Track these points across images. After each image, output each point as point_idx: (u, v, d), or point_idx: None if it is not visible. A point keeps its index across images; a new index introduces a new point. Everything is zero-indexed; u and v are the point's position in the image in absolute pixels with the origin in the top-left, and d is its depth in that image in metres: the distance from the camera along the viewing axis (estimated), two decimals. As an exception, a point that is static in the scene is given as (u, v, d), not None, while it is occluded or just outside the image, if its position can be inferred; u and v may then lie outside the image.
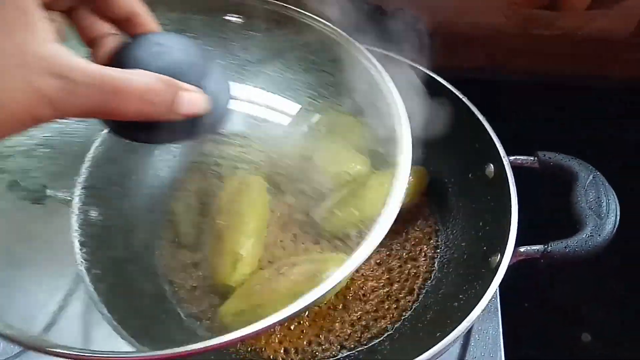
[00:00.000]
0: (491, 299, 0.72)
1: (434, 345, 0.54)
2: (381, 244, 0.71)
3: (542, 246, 0.58)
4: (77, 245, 0.61)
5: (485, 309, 0.73)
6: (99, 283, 0.58)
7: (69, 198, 0.64)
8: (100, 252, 0.64)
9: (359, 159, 0.77)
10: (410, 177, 0.74)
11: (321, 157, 0.75)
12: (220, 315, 0.63)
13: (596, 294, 0.92)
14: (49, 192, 0.64)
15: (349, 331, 0.65)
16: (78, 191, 0.64)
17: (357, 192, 0.72)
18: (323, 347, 0.64)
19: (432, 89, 0.75)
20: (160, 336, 0.62)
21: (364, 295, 0.68)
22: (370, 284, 0.69)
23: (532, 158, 0.66)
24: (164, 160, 0.79)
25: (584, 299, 0.91)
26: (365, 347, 0.64)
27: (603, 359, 0.87)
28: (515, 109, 1.00)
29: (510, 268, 0.73)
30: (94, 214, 0.66)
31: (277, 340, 0.64)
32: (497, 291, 0.76)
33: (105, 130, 0.69)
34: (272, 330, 0.65)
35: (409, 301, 0.68)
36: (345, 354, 0.64)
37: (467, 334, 0.72)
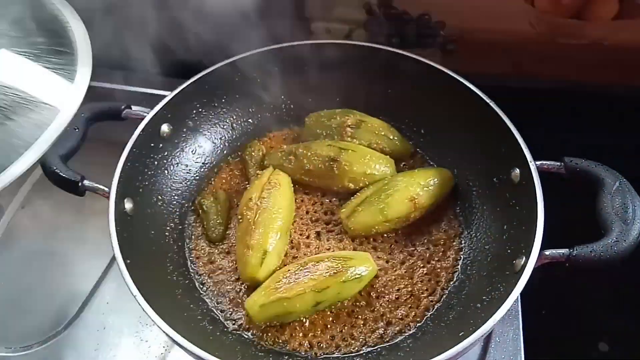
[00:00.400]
0: (514, 302, 0.74)
1: (455, 345, 0.55)
2: (405, 244, 0.74)
3: (567, 250, 0.59)
4: (113, 234, 0.63)
5: (507, 312, 0.74)
6: (133, 271, 0.60)
7: (106, 189, 0.66)
8: (133, 242, 0.66)
9: (384, 160, 0.78)
10: (435, 180, 0.75)
11: (347, 158, 0.76)
12: (247, 306, 0.65)
13: (615, 303, 0.92)
14: (87, 183, 0.66)
15: (372, 328, 0.66)
16: (115, 184, 0.67)
17: (382, 193, 0.74)
18: (346, 342, 0.65)
19: (459, 92, 0.77)
20: (189, 324, 0.64)
21: (387, 293, 0.69)
22: (393, 282, 0.70)
23: (558, 164, 0.66)
24: (195, 156, 0.82)
25: (603, 308, 0.91)
26: (388, 344, 0.65)
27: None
28: (541, 117, 1.00)
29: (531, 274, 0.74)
30: (128, 205, 0.69)
31: (301, 334, 0.66)
32: (519, 297, 0.77)
33: (142, 126, 0.73)
34: (296, 323, 0.66)
35: (431, 301, 0.69)
36: (368, 350, 0.65)
37: (488, 337, 0.72)
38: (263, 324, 0.66)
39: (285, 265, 0.70)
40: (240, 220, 0.71)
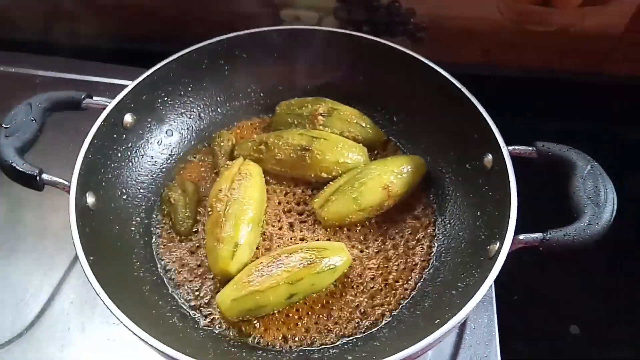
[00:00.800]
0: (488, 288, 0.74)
1: (431, 334, 0.54)
2: (380, 233, 0.73)
3: (541, 234, 0.58)
4: (74, 230, 0.59)
5: (481, 300, 0.74)
6: (97, 268, 0.57)
7: (67, 183, 0.63)
8: (97, 238, 0.63)
9: (357, 148, 0.77)
10: (408, 167, 0.74)
11: (319, 147, 0.75)
12: (219, 301, 0.63)
13: (585, 287, 0.93)
14: (45, 177, 0.63)
15: (347, 319, 0.65)
16: (75, 177, 0.64)
17: (356, 182, 0.72)
18: (321, 334, 0.64)
19: (431, 79, 0.76)
20: (158, 321, 0.61)
21: (362, 283, 0.68)
22: (368, 272, 0.69)
23: (530, 148, 0.66)
24: (160, 147, 0.79)
25: (573, 292, 0.92)
26: (364, 334, 0.64)
27: (591, 350, 0.87)
28: (511, 104, 1.01)
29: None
30: (90, 200, 0.66)
31: (275, 328, 0.64)
32: (493, 284, 0.77)
33: (103, 116, 0.70)
34: (269, 317, 0.65)
35: (406, 289, 0.68)
36: (344, 341, 0.63)
37: (463, 323, 0.72)
38: (235, 319, 0.64)
39: (258, 258, 0.68)
40: (210, 213, 0.69)
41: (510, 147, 0.67)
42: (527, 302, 0.90)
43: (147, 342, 0.53)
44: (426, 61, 0.77)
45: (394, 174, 0.73)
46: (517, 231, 0.60)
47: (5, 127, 0.65)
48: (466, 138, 0.73)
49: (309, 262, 0.64)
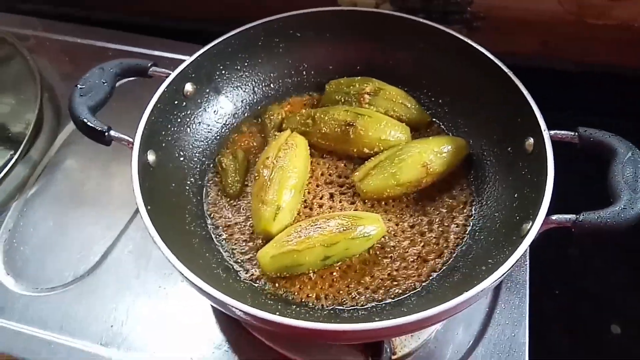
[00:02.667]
0: (517, 271, 0.75)
1: (455, 297, 0.56)
2: (416, 209, 0.75)
3: (574, 215, 0.59)
4: (136, 182, 0.66)
5: (514, 280, 0.75)
6: (153, 217, 0.63)
7: (131, 140, 0.69)
8: (155, 192, 0.69)
9: (399, 127, 0.79)
10: (449, 147, 0.76)
11: (363, 123, 0.78)
12: (259, 257, 0.68)
13: (630, 285, 0.91)
14: (113, 133, 0.70)
15: (378, 285, 0.68)
16: (138, 135, 0.70)
17: (396, 158, 0.75)
18: (352, 296, 0.67)
19: (479, 63, 0.77)
20: (204, 270, 0.67)
21: (395, 254, 0.71)
22: (402, 244, 0.72)
23: (572, 133, 0.67)
24: (216, 117, 0.85)
25: (618, 290, 0.91)
26: (393, 300, 0.67)
27: (631, 352, 0.86)
28: (564, 97, 1.00)
29: (542, 253, 0.74)
30: (151, 157, 0.72)
31: (309, 287, 0.68)
32: (527, 266, 0.78)
33: (166, 83, 0.76)
34: (305, 276, 0.69)
35: (438, 263, 0.70)
36: (373, 304, 0.67)
37: (494, 302, 0.74)
38: (273, 274, 0.68)
39: (298, 222, 0.72)
40: (257, 177, 0.74)
41: (552, 132, 0.67)
42: (570, 297, 0.90)
43: (193, 283, 0.58)
44: (475, 45, 0.78)
45: (433, 153, 0.75)
46: (551, 213, 0.61)
47: (80, 88, 0.72)
48: (509, 122, 0.74)
49: (344, 228, 0.67)
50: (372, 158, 0.78)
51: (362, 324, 0.54)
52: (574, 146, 0.68)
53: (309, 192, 0.77)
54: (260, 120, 0.87)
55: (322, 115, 0.80)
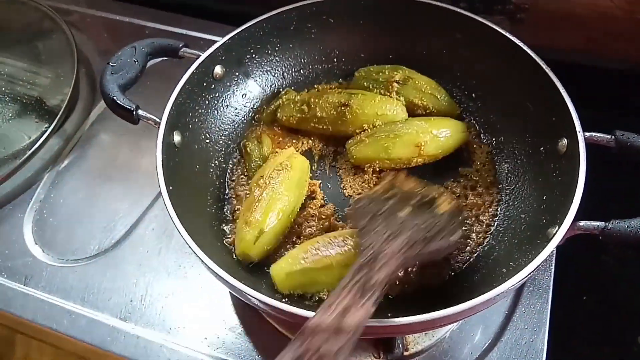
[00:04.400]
0: (540, 276, 0.73)
1: (471, 299, 0.54)
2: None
3: (602, 223, 0.56)
4: (159, 161, 0.66)
5: (537, 284, 0.73)
6: (174, 197, 0.63)
7: (158, 120, 0.70)
8: (178, 172, 0.70)
9: (394, 102, 0.79)
10: (448, 132, 0.76)
11: (357, 102, 0.78)
12: (273, 274, 0.65)
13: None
14: (141, 112, 0.71)
15: (394, 282, 0.67)
16: (165, 115, 0.70)
17: (392, 133, 0.75)
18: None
19: (516, 58, 0.74)
20: (221, 253, 0.67)
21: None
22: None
23: (609, 136, 0.63)
24: (244, 100, 0.85)
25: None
26: (409, 297, 0.66)
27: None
28: (606, 97, 0.95)
29: (570, 257, 0.71)
30: (177, 138, 0.73)
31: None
32: (553, 270, 0.75)
33: (196, 64, 0.76)
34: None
35: (458, 262, 0.69)
36: (388, 302, 0.66)
37: (514, 305, 0.72)
38: (288, 292, 0.66)
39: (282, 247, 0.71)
40: (247, 195, 0.72)
41: (588, 134, 0.64)
42: (598, 304, 0.87)
43: (208, 267, 0.58)
44: (514, 39, 0.75)
45: (430, 135, 0.74)
46: (580, 218, 0.59)
47: (112, 65, 0.73)
48: (544, 121, 0.71)
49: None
50: (370, 129, 0.77)
51: (374, 320, 0.53)
52: (610, 150, 0.65)
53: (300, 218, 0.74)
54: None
55: (315, 99, 0.80)
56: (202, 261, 0.58)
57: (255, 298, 0.56)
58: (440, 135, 0.75)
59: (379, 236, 0.58)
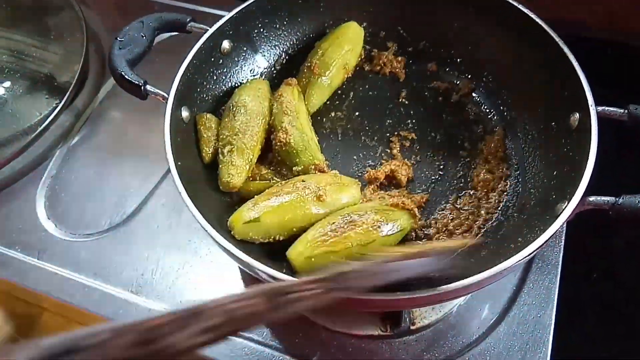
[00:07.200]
0: (549, 252, 0.72)
1: (480, 272, 0.54)
2: (452, 183, 0.73)
3: (613, 198, 0.56)
4: (167, 136, 0.66)
5: (545, 260, 0.73)
6: (182, 172, 0.64)
7: (166, 95, 0.70)
8: (186, 149, 0.70)
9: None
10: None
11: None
12: (291, 257, 0.64)
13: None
14: (149, 87, 0.71)
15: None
16: (173, 90, 0.70)
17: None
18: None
19: (524, 26, 0.73)
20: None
21: (423, 227, 0.70)
22: (432, 217, 0.70)
23: (622, 110, 0.62)
24: (252, 75, 0.84)
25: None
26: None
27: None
28: (624, 76, 0.93)
29: (580, 235, 0.70)
30: (185, 114, 0.73)
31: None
32: (562, 247, 0.75)
33: (203, 39, 0.75)
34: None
35: (465, 238, 0.68)
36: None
37: (522, 281, 0.72)
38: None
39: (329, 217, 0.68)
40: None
41: (600, 108, 0.63)
42: (608, 282, 0.86)
43: (217, 242, 0.59)
44: (523, 9, 0.73)
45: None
46: (591, 194, 0.58)
47: (120, 40, 0.72)
48: (556, 96, 0.70)
49: (379, 225, 0.64)
50: None
51: (380, 294, 0.53)
52: (623, 124, 0.63)
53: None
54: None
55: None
56: (211, 236, 0.59)
57: (264, 272, 0.56)
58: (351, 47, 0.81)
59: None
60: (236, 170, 0.71)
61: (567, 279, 0.73)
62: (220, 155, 0.73)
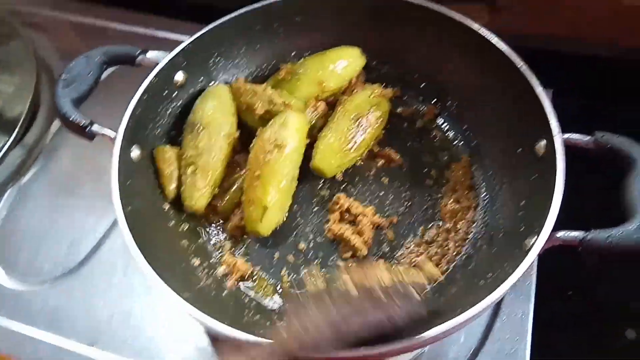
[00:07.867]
0: (522, 283, 0.70)
1: (450, 320, 0.52)
2: (418, 215, 0.71)
3: (581, 233, 0.53)
4: (114, 181, 0.63)
5: (518, 291, 0.70)
6: (131, 218, 0.60)
7: (113, 135, 0.66)
8: (136, 191, 0.66)
9: None
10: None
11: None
12: (321, 165, 0.72)
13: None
14: (95, 128, 0.67)
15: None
16: (122, 129, 0.67)
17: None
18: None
19: (490, 54, 0.71)
20: (187, 276, 0.64)
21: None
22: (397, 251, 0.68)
23: (587, 138, 0.60)
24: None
25: (635, 295, 0.85)
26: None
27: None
28: (591, 87, 0.92)
29: (553, 255, 0.69)
30: (135, 153, 0.69)
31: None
32: (534, 277, 0.72)
33: (154, 72, 0.72)
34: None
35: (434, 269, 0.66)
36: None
37: (494, 315, 0.69)
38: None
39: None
40: (248, 174, 0.70)
41: (566, 135, 0.61)
42: (584, 300, 0.85)
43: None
44: (484, 33, 0.71)
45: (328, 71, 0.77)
46: (559, 227, 0.56)
47: (64, 79, 0.68)
48: (520, 122, 0.68)
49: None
50: None
51: (343, 352, 0.49)
52: (588, 152, 0.61)
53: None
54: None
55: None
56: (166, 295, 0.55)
57: (222, 332, 0.53)
58: (337, 68, 0.77)
59: None
60: (199, 192, 0.70)
61: (540, 300, 0.71)
62: (183, 176, 0.70)
